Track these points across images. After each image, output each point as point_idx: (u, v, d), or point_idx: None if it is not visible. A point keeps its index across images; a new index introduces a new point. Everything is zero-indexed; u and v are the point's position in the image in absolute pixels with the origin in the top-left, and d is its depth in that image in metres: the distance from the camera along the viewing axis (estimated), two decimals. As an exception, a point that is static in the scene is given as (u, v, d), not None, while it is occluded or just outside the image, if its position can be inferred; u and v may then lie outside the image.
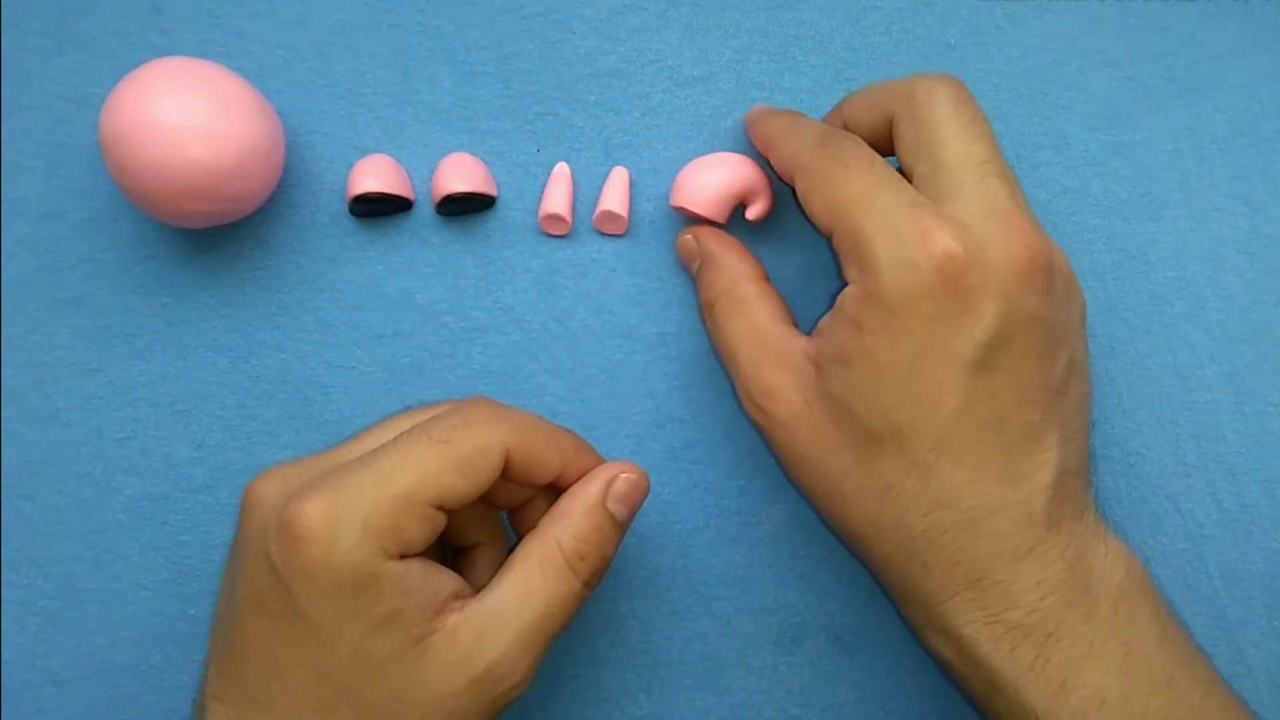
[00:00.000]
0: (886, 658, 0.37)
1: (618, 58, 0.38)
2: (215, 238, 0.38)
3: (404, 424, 0.30)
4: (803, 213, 0.32)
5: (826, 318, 0.30)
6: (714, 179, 0.36)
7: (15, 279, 0.37)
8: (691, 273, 0.36)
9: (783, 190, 0.38)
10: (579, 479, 0.31)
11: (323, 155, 0.38)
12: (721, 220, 0.36)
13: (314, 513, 0.27)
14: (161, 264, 0.38)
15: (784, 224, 0.38)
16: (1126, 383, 0.38)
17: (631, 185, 0.38)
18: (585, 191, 0.38)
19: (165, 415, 0.37)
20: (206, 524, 0.37)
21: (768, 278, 0.35)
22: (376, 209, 0.37)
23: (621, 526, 0.31)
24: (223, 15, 0.38)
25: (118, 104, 0.33)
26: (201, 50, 0.38)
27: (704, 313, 0.34)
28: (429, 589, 0.28)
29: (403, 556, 0.28)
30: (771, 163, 0.34)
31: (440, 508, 0.28)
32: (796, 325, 0.33)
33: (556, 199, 0.37)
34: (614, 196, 0.37)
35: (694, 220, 0.38)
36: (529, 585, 0.29)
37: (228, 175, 0.33)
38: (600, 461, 0.32)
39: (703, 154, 0.38)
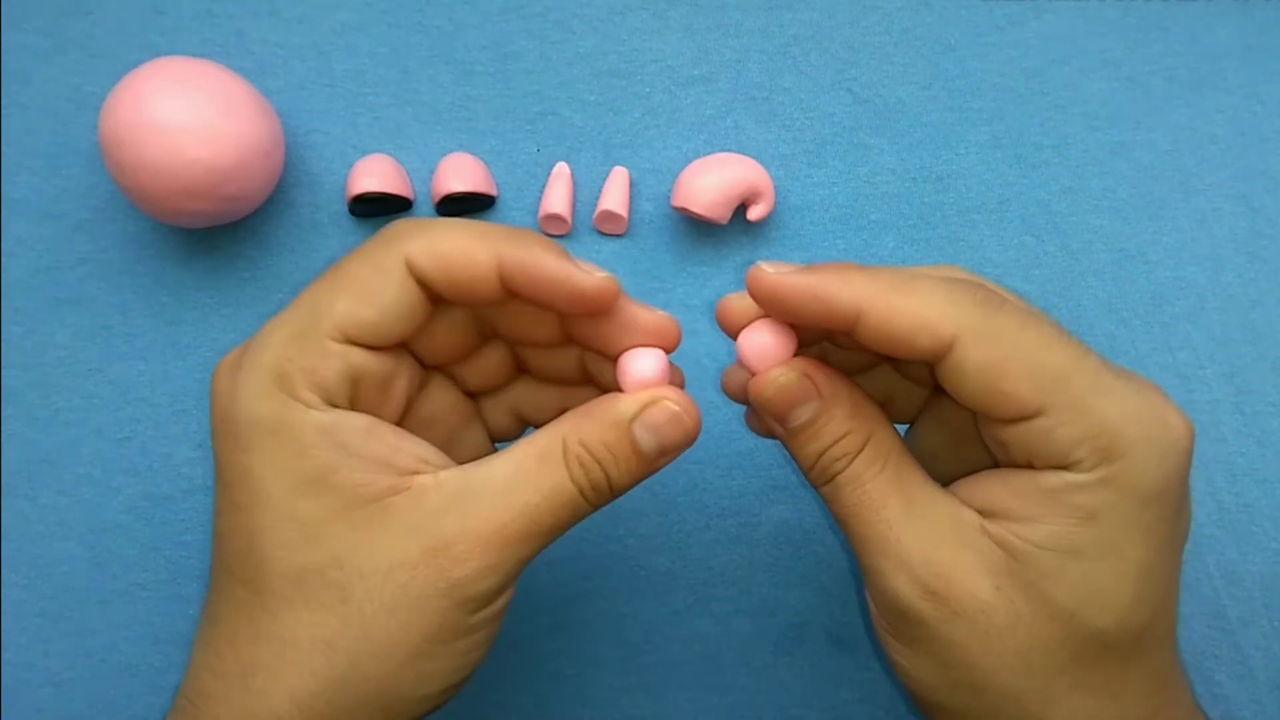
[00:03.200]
0: (886, 658, 0.37)
1: (618, 58, 0.38)
2: (215, 238, 0.38)
3: None
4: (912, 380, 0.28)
5: (1003, 491, 0.25)
6: (716, 180, 0.36)
7: (15, 279, 0.37)
8: (795, 422, 0.26)
9: (783, 191, 0.38)
10: (542, 290, 0.25)
11: (323, 155, 0.38)
12: (723, 221, 0.36)
13: (224, 364, 0.26)
14: (161, 264, 0.38)
15: (784, 224, 0.38)
16: (1126, 383, 0.38)
17: (631, 185, 0.38)
18: (585, 191, 0.38)
19: (165, 415, 0.37)
20: (206, 524, 0.37)
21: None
22: (376, 209, 0.37)
23: (646, 459, 0.26)
24: (223, 15, 0.38)
25: (118, 104, 0.33)
26: (201, 50, 0.38)
27: (825, 470, 0.26)
28: (379, 446, 0.25)
29: (335, 406, 0.25)
30: (870, 330, 0.24)
31: (352, 341, 0.25)
32: None
33: (556, 199, 0.37)
34: (614, 196, 0.37)
35: (696, 221, 0.38)
36: (521, 470, 0.25)
37: (227, 175, 0.33)
38: (565, 271, 0.25)
39: (703, 154, 0.38)
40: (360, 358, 0.25)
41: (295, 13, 0.38)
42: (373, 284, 0.25)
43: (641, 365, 0.26)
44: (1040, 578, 0.24)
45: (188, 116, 0.32)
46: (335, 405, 0.25)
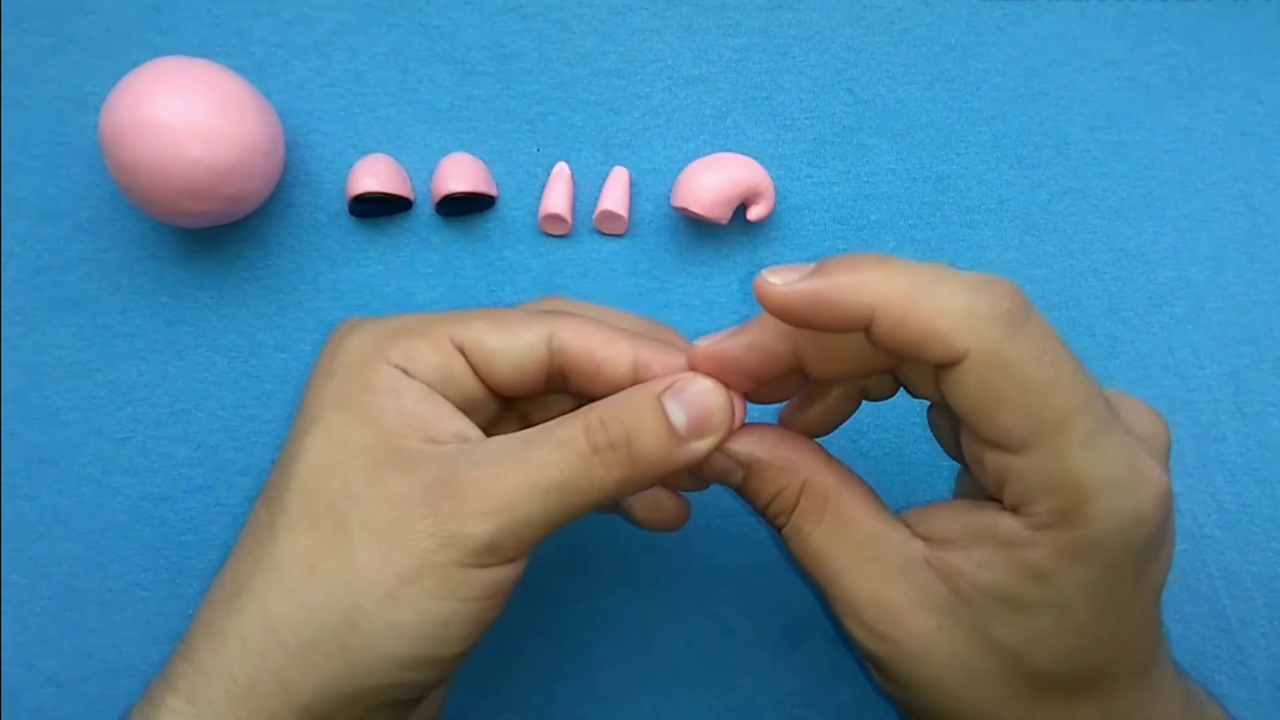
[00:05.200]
0: (886, 658, 0.37)
1: (618, 58, 0.38)
2: (215, 238, 0.38)
3: None
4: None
5: (956, 525, 0.25)
6: (716, 180, 0.36)
7: (15, 279, 0.37)
8: (733, 485, 0.28)
9: (783, 191, 0.38)
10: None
11: (323, 155, 0.38)
12: (723, 221, 0.36)
13: (347, 322, 0.28)
14: (161, 264, 0.38)
15: (784, 224, 0.38)
16: (1126, 383, 0.38)
17: (631, 185, 0.38)
18: (585, 191, 0.38)
19: (165, 415, 0.37)
20: (206, 524, 0.37)
21: (834, 460, 0.28)
22: (376, 209, 0.37)
23: (671, 428, 0.25)
24: (223, 15, 0.38)
25: (118, 104, 0.33)
26: (201, 50, 0.38)
27: (772, 522, 0.28)
28: (427, 411, 0.26)
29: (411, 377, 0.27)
30: (889, 328, 0.23)
31: (464, 354, 0.27)
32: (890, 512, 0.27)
33: (556, 199, 0.37)
34: (614, 196, 0.37)
35: (696, 221, 0.38)
36: (537, 431, 0.26)
37: (228, 175, 0.33)
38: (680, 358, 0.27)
39: (703, 154, 0.38)
40: (462, 368, 0.27)
41: (295, 13, 0.38)
42: (514, 329, 0.27)
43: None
44: (982, 619, 0.24)
45: (188, 116, 0.32)
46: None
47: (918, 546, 0.25)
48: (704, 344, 0.26)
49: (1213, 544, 0.37)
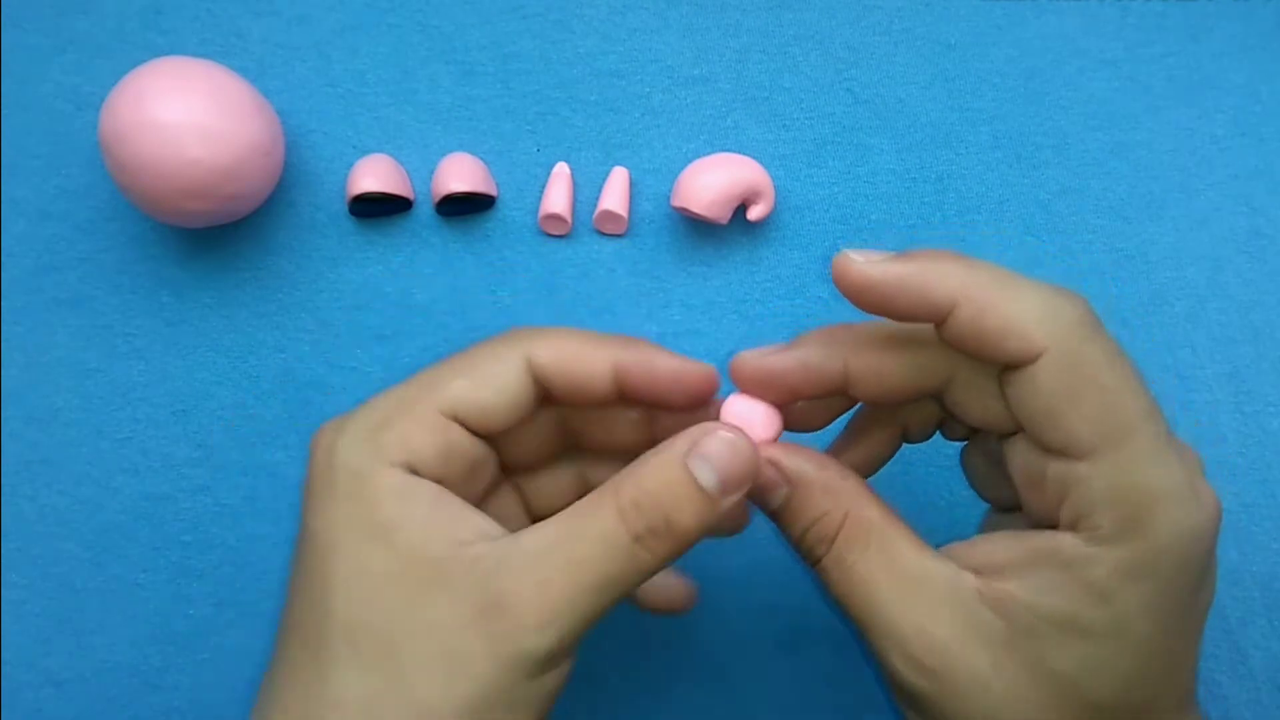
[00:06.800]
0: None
1: (618, 58, 0.38)
2: (215, 238, 0.38)
3: None
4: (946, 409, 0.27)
5: (1010, 552, 0.24)
6: (716, 180, 0.36)
7: (15, 279, 0.37)
8: (771, 506, 0.26)
9: (783, 191, 0.38)
10: (655, 384, 0.27)
11: (323, 155, 0.38)
12: (723, 221, 0.36)
13: (328, 426, 0.26)
14: (161, 264, 0.38)
15: (784, 224, 0.38)
16: (1126, 383, 0.38)
17: (631, 185, 0.38)
18: (585, 191, 0.38)
19: (165, 415, 0.37)
20: (206, 524, 0.37)
21: (876, 494, 0.26)
22: (376, 209, 0.37)
23: (707, 495, 0.24)
24: (223, 15, 0.38)
25: (118, 104, 0.33)
26: (201, 50, 0.38)
27: (810, 552, 0.26)
28: (444, 514, 0.25)
29: (415, 471, 0.25)
30: (964, 320, 0.24)
31: (457, 419, 0.26)
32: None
33: (556, 199, 0.37)
34: (614, 196, 0.37)
35: (696, 221, 0.38)
36: (571, 526, 0.25)
37: (227, 175, 0.33)
38: (676, 364, 0.27)
39: (703, 154, 0.38)
40: (459, 436, 0.26)
41: (295, 13, 0.38)
42: (492, 370, 0.26)
43: (739, 409, 0.27)
44: (1039, 649, 0.24)
45: (188, 116, 0.32)
46: (419, 474, 0.25)
47: (968, 579, 0.24)
48: (750, 356, 0.26)
49: (1213, 544, 0.37)
